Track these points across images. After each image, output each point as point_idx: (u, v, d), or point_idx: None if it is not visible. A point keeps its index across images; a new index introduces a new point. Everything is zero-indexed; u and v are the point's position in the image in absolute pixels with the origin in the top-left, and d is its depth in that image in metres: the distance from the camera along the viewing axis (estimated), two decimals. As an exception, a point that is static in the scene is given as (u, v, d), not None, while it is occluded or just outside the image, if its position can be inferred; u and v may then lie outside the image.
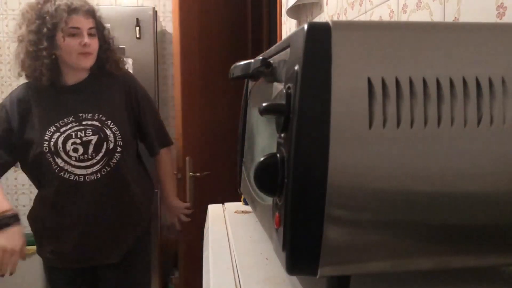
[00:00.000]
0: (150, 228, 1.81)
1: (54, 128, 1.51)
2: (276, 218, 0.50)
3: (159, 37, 3.01)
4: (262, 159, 0.50)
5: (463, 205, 0.48)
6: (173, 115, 3.34)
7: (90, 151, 1.52)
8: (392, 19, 0.99)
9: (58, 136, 1.50)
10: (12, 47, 3.25)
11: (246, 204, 1.08)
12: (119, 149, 1.57)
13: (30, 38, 1.48)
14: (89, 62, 1.53)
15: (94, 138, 1.52)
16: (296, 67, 0.46)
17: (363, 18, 1.15)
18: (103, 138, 1.53)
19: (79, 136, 1.50)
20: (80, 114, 1.53)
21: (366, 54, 0.46)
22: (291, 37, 0.52)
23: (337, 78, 0.45)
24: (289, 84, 0.48)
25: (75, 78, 1.57)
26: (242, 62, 0.67)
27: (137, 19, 2.79)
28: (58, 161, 1.50)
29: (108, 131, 1.54)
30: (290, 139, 0.46)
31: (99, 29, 1.57)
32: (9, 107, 1.54)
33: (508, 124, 0.48)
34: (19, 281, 3.03)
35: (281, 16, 2.08)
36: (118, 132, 1.56)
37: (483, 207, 0.48)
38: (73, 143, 1.50)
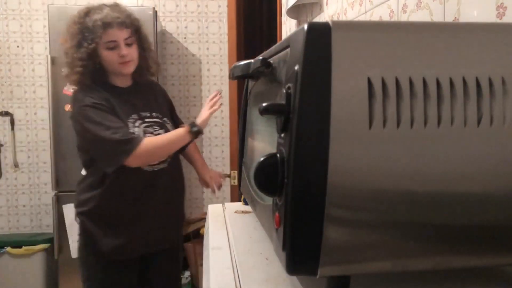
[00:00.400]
0: None
1: (131, 124, 1.61)
2: (276, 218, 0.50)
3: (159, 37, 3.01)
4: (262, 159, 0.50)
5: (463, 205, 0.48)
6: (173, 115, 3.34)
7: None
8: (392, 19, 0.99)
9: (138, 131, 1.61)
10: (12, 47, 3.25)
11: (246, 204, 1.08)
12: None
13: (73, 52, 1.60)
14: (130, 69, 1.63)
15: (162, 132, 1.66)
16: (296, 67, 0.46)
17: (363, 18, 1.15)
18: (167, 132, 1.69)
19: (150, 131, 1.63)
20: (141, 113, 1.64)
21: (366, 54, 0.46)
22: (291, 37, 0.52)
23: (337, 78, 0.45)
24: (289, 84, 0.48)
25: (124, 83, 1.68)
26: (242, 62, 0.67)
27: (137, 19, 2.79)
28: None
29: (168, 127, 1.71)
30: (290, 139, 0.46)
31: (138, 36, 1.65)
32: (93, 103, 1.57)
33: (508, 124, 0.48)
34: (19, 281, 3.04)
35: (281, 16, 2.08)
36: (172, 128, 1.73)
37: (483, 207, 0.48)
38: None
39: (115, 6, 1.62)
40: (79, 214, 1.69)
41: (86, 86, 1.61)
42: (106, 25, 1.53)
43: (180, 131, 1.60)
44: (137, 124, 1.61)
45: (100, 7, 1.59)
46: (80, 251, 1.72)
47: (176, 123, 1.85)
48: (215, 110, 1.65)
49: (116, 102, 1.60)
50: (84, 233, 1.68)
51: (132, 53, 1.60)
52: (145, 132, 1.60)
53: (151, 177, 1.64)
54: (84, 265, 1.71)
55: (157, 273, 1.80)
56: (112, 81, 1.65)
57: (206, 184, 1.96)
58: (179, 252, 1.89)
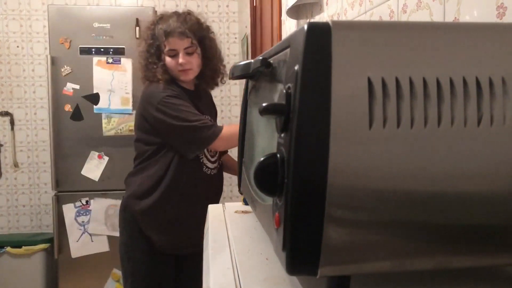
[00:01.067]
0: None
1: None
2: (276, 218, 0.50)
3: (159, 37, 3.01)
4: (262, 159, 0.50)
5: (463, 205, 0.48)
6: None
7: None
8: (392, 19, 0.99)
9: None
10: (12, 47, 3.25)
11: (246, 204, 1.08)
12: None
13: (143, 55, 1.75)
14: (188, 77, 1.72)
15: None
16: (296, 67, 0.46)
17: (363, 18, 1.15)
18: None
19: None
20: (205, 116, 1.75)
21: (366, 54, 0.46)
22: (291, 37, 0.52)
23: (337, 78, 0.45)
24: (289, 84, 0.48)
25: (188, 86, 1.77)
26: (242, 62, 0.67)
27: (137, 19, 2.80)
28: (202, 155, 1.73)
29: None
30: (290, 139, 0.46)
31: (202, 45, 1.73)
32: (175, 95, 1.68)
33: (508, 124, 0.48)
34: (19, 281, 3.04)
35: (281, 16, 2.08)
36: None
37: (483, 207, 0.48)
38: None
39: (184, 15, 1.71)
40: (128, 207, 1.72)
41: (161, 81, 1.70)
42: (168, 34, 1.65)
43: None
44: None
45: (169, 16, 1.70)
46: (126, 245, 1.76)
47: None
48: None
49: (189, 101, 1.71)
50: (132, 228, 1.72)
51: (192, 61, 1.69)
52: None
53: (207, 179, 1.76)
54: (129, 260, 1.75)
55: (189, 274, 1.84)
56: (179, 83, 1.75)
57: None
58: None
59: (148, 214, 1.71)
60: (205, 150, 1.72)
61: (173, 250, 1.77)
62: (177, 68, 1.68)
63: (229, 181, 3.48)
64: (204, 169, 1.74)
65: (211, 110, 1.89)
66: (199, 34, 1.71)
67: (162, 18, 1.71)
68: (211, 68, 1.78)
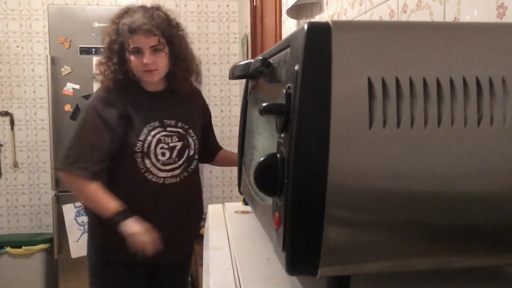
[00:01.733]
0: None
1: (146, 131, 1.55)
2: (276, 218, 0.50)
3: (159, 37, 3.01)
4: (262, 159, 0.50)
5: (463, 205, 0.48)
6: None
7: (174, 155, 1.59)
8: (392, 19, 0.99)
9: (151, 139, 1.55)
10: (12, 47, 3.25)
11: (246, 204, 1.08)
12: (196, 156, 1.66)
13: (105, 53, 1.58)
14: (153, 78, 1.55)
15: (179, 145, 1.59)
16: (296, 67, 0.46)
17: (363, 18, 1.15)
18: (186, 145, 1.61)
19: (166, 141, 1.57)
20: (165, 120, 1.58)
21: (366, 54, 0.46)
22: (291, 37, 0.52)
23: (337, 78, 0.45)
24: (289, 84, 0.48)
25: (154, 87, 1.61)
26: (242, 62, 0.67)
27: (137, 19, 2.79)
28: (147, 162, 1.55)
29: (190, 139, 1.63)
30: (290, 139, 0.46)
31: (171, 44, 1.56)
32: (101, 109, 1.53)
33: (508, 124, 0.48)
34: (19, 281, 3.04)
35: (281, 16, 2.08)
36: (197, 141, 1.65)
37: (483, 207, 0.48)
38: (161, 147, 1.56)
39: (152, 10, 1.53)
40: (87, 210, 1.68)
41: (109, 90, 1.55)
42: (132, 30, 1.47)
43: (109, 206, 1.48)
44: (154, 132, 1.55)
45: (135, 10, 1.53)
46: (88, 248, 1.71)
47: (208, 140, 1.80)
48: (140, 244, 1.47)
49: (139, 107, 1.55)
50: (91, 231, 1.67)
51: (158, 61, 1.51)
52: (159, 142, 1.55)
53: (156, 187, 1.57)
54: (89, 262, 1.71)
55: (165, 284, 1.76)
56: (142, 84, 1.59)
57: None
58: (188, 263, 1.87)
59: (99, 217, 1.57)
60: (154, 157, 1.55)
61: (123, 257, 1.59)
62: (142, 69, 1.50)
63: (229, 181, 3.48)
64: (153, 179, 1.56)
65: (190, 115, 1.67)
66: (168, 32, 1.53)
67: (127, 12, 1.54)
68: (182, 68, 1.59)
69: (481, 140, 0.47)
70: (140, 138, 1.53)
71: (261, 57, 0.62)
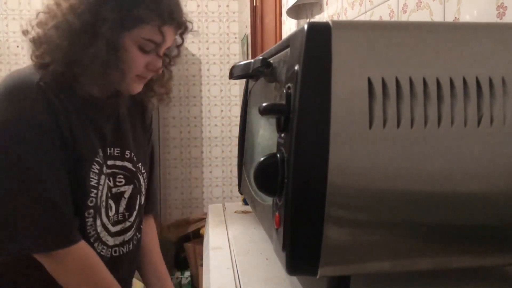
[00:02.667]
0: None
1: (97, 169, 0.91)
2: (276, 218, 0.50)
3: (159, 37, 3.01)
4: (262, 159, 0.50)
5: (463, 205, 0.48)
6: (172, 115, 3.35)
7: (121, 209, 0.98)
8: (392, 19, 0.99)
9: (104, 184, 0.93)
10: (12, 47, 3.25)
11: (246, 204, 1.08)
12: (144, 206, 1.07)
13: (75, 18, 0.82)
14: (140, 88, 0.95)
15: (128, 190, 0.99)
16: (296, 67, 0.46)
17: (363, 18, 1.15)
18: (136, 190, 1.01)
19: (109, 186, 0.95)
20: (107, 149, 0.95)
21: (366, 54, 0.46)
22: (291, 37, 0.52)
23: (337, 78, 0.45)
24: (289, 84, 0.48)
25: (97, 90, 0.90)
26: (242, 62, 0.67)
27: (137, 19, 2.77)
28: (98, 223, 0.92)
29: (141, 179, 1.03)
30: (290, 139, 0.46)
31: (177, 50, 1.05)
32: (37, 128, 0.83)
33: (508, 124, 0.48)
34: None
35: (281, 16, 2.08)
36: (146, 180, 1.05)
37: (483, 207, 0.48)
38: (108, 196, 0.95)
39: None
40: None
41: (47, 85, 0.83)
42: (170, 18, 0.88)
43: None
44: (104, 170, 0.92)
45: None
46: None
47: (148, 187, 1.09)
48: None
49: (83, 125, 0.88)
50: None
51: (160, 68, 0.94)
52: (108, 188, 0.94)
53: (108, 267, 0.92)
54: None
55: None
56: (82, 84, 0.87)
57: None
58: None
59: None
60: (103, 218, 0.92)
61: None
62: (139, 72, 0.89)
63: (229, 181, 3.48)
64: (103, 251, 0.93)
65: (140, 140, 1.04)
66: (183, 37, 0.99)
67: None
68: (162, 85, 1.02)
69: (481, 140, 0.47)
70: (92, 182, 0.88)
71: (261, 57, 0.62)
